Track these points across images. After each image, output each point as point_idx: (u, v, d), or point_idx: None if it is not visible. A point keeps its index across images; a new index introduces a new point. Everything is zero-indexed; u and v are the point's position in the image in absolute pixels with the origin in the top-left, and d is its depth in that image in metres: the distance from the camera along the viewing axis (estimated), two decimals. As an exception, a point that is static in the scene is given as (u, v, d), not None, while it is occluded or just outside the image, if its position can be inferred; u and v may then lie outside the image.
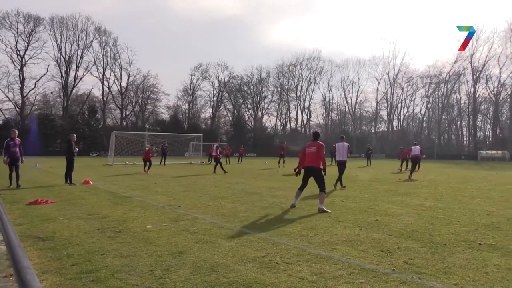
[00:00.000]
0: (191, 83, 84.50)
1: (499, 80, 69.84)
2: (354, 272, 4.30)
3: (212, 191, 12.12)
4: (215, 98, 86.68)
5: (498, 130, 73.27)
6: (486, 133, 79.18)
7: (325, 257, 4.89)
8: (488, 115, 76.86)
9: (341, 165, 13.50)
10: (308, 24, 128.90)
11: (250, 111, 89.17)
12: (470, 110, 75.04)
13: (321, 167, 8.71)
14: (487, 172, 25.26)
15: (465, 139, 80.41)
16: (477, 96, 72.95)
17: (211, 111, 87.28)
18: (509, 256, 5.00)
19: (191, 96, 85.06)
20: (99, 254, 4.96)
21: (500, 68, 69.09)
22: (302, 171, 9.17)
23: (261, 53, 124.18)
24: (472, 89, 72.83)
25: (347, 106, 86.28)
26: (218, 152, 22.32)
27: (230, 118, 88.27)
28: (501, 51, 68.57)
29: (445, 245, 5.56)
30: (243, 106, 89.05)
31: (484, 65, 70.43)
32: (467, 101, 75.57)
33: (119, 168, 26.15)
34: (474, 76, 71.49)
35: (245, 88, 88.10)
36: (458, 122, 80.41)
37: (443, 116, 78.49)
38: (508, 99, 70.46)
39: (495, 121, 72.87)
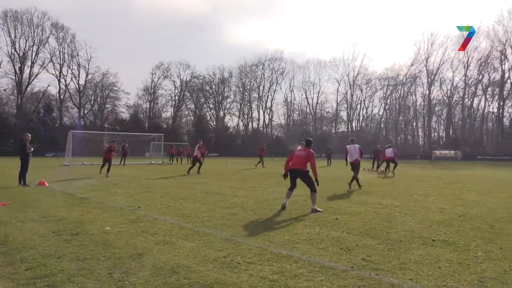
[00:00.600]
0: (152, 82, 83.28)
1: (452, 83, 73.04)
2: (314, 270, 4.37)
3: (173, 192, 11.98)
4: (177, 98, 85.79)
5: (451, 131, 76.39)
6: (440, 134, 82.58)
7: (286, 256, 4.95)
8: (442, 117, 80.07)
9: (355, 166, 13.55)
10: (270, 25, 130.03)
11: (212, 110, 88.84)
12: (425, 111, 77.87)
13: (307, 169, 8.80)
14: (440, 171, 26.31)
15: (420, 139, 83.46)
16: (431, 98, 75.85)
17: (172, 111, 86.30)
18: (460, 251, 5.23)
19: (152, 95, 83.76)
20: (55, 258, 4.80)
21: (453, 72, 72.30)
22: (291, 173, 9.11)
23: (223, 53, 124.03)
24: (427, 92, 75.71)
25: (308, 107, 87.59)
26: (200, 152, 21.65)
27: (192, 117, 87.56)
28: (454, 55, 71.66)
29: (401, 241, 5.75)
30: (205, 105, 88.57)
31: (438, 69, 73.41)
32: (423, 103, 78.43)
33: (77, 168, 25.36)
34: (429, 79, 74.31)
35: (207, 88, 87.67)
36: (414, 123, 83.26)
37: (400, 117, 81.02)
38: (460, 101, 73.63)
39: (448, 122, 75.95)
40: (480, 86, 70.90)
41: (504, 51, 66.06)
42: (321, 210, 8.55)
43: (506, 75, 67.11)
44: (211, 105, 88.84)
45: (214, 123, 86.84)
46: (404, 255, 5.04)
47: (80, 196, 10.86)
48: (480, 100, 72.32)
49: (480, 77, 70.06)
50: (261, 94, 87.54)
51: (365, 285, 3.94)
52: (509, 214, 8.29)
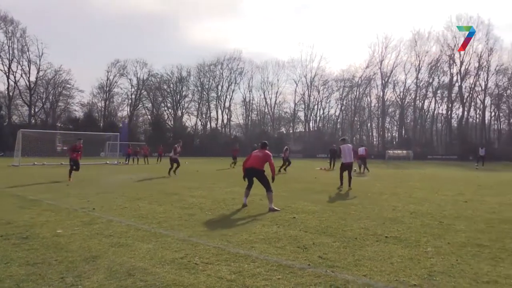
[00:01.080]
0: (107, 80, 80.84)
1: (405, 85, 75.66)
2: (272, 269, 4.41)
3: (129, 193, 11.72)
4: (133, 96, 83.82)
5: (403, 132, 79.15)
6: (393, 134, 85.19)
7: (244, 255, 4.96)
8: (395, 118, 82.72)
9: (348, 167, 13.29)
10: (229, 25, 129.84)
11: (170, 110, 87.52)
12: (379, 112, 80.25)
13: (263, 169, 9.05)
14: (393, 171, 27.25)
15: (374, 139, 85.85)
16: (385, 99, 78.24)
17: (128, 109, 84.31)
18: (411, 247, 5.44)
19: (107, 94, 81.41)
20: (3, 263, 4.57)
21: (406, 75, 74.91)
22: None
23: (181, 51, 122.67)
24: (381, 93, 78.00)
25: (266, 107, 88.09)
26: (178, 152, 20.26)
27: (149, 117, 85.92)
28: (406, 58, 74.37)
29: (356, 239, 5.91)
30: (162, 104, 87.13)
31: (391, 71, 75.82)
32: (377, 104, 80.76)
33: (27, 169, 24.29)
34: (383, 81, 76.64)
35: (165, 87, 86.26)
36: (369, 124, 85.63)
37: (356, 118, 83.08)
38: (412, 103, 76.44)
39: (401, 123, 78.63)
40: (430, 89, 73.90)
41: (452, 55, 69.28)
42: (279, 209, 8.65)
43: (454, 78, 70.38)
44: (168, 104, 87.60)
45: (172, 123, 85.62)
46: (359, 252, 5.18)
47: (31, 198, 10.42)
48: (431, 102, 75.45)
49: (431, 80, 73.10)
50: (219, 93, 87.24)
51: (321, 282, 4.01)
52: (457, 210, 8.71)
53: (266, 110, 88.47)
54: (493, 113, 71.77)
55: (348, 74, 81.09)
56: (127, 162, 35.19)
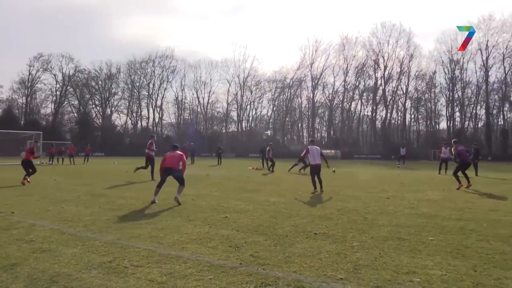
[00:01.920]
0: (29, 75, 75.55)
1: (333, 87, 78.77)
2: (204, 269, 4.40)
3: (53, 195, 11.09)
4: (58, 93, 79.13)
5: (332, 132, 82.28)
6: (322, 134, 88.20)
7: (175, 256, 4.90)
8: (324, 118, 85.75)
9: (318, 169, 12.92)
10: (162, 22, 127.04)
11: (98, 108, 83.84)
12: (309, 113, 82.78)
13: (180, 168, 9.98)
14: (322, 170, 28.13)
15: (305, 139, 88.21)
16: (315, 101, 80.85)
17: (53, 107, 79.52)
18: (338, 243, 5.68)
19: (29, 89, 76.17)
20: None
21: (334, 77, 78.03)
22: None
23: (111, 47, 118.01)
24: (311, 95, 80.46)
25: (199, 106, 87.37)
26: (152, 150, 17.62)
27: (76, 114, 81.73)
28: (335, 62, 77.46)
29: (287, 236, 6.06)
30: (90, 102, 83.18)
31: (321, 74, 78.54)
32: (307, 105, 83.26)
33: None
34: (313, 83, 79.14)
35: (93, 83, 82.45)
36: (300, 124, 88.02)
37: (287, 118, 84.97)
38: (340, 105, 79.74)
39: (330, 124, 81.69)
40: (357, 91, 77.58)
41: (377, 60, 73.36)
42: (181, 203, 9.29)
43: (379, 82, 74.52)
44: (97, 102, 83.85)
45: (100, 121, 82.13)
46: (289, 249, 5.32)
47: None
48: (357, 104, 79.19)
49: (357, 83, 76.79)
50: (151, 92, 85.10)
51: (253, 280, 4.07)
52: (380, 207, 9.22)
53: (199, 109, 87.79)
54: (413, 116, 76.92)
55: (280, 75, 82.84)
56: (50, 162, 33.23)
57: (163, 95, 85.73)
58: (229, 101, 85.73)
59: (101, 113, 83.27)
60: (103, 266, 4.51)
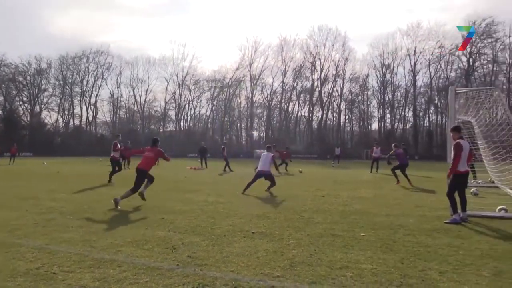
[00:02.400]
0: None
1: (272, 88, 79.87)
2: (139, 272, 4.28)
3: (-27, 198, 10.28)
4: (-21, 88, 73.48)
5: (270, 132, 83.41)
6: (261, 134, 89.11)
7: (109, 260, 4.73)
8: (262, 119, 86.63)
9: (263, 176, 12.48)
10: (97, 16, 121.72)
11: (26, 105, 78.69)
12: (248, 113, 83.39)
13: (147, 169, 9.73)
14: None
15: (243, 139, 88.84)
16: (254, 101, 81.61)
17: (-27, 103, 73.63)
18: (275, 241, 5.77)
19: None
20: None
21: (273, 78, 79.11)
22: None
23: (41, 41, 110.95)
24: (250, 95, 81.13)
25: (136, 105, 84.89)
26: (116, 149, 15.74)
27: (0, 112, 76.22)
28: (273, 63, 78.58)
29: (224, 236, 6.06)
30: (17, 99, 77.94)
31: (260, 74, 79.35)
32: (246, 105, 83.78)
33: None
34: (252, 83, 79.76)
35: (21, 79, 77.29)
36: (238, 124, 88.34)
37: (226, 118, 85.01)
38: (278, 105, 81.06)
39: (268, 124, 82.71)
40: (294, 92, 79.21)
41: (314, 63, 75.45)
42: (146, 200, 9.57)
43: (315, 84, 76.64)
44: (24, 99, 78.63)
45: (28, 119, 77.25)
46: (227, 248, 5.33)
47: None
48: (295, 104, 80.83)
49: (295, 84, 78.41)
50: (84, 89, 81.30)
51: (190, 281, 4.03)
52: (315, 205, 9.50)
53: (136, 108, 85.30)
54: (347, 116, 79.89)
55: (219, 75, 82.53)
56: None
57: (98, 92, 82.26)
58: (167, 100, 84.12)
59: (29, 111, 78.25)
60: (30, 273, 4.25)
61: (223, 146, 25.60)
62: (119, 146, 15.70)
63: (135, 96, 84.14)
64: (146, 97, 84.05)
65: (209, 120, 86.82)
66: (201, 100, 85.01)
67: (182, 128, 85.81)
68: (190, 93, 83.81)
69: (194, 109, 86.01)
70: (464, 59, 66.91)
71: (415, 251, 5.27)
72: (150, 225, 6.93)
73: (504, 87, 62.63)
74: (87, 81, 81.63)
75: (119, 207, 8.82)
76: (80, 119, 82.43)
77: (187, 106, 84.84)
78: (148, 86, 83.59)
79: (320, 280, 4.08)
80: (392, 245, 5.58)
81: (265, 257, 4.95)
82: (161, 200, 10.22)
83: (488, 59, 65.69)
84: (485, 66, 66.57)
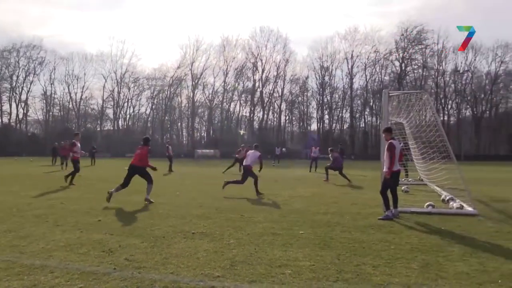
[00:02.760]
0: None
1: (213, 88, 79.54)
2: (73, 278, 4.10)
3: None
4: None
5: (211, 132, 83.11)
6: (202, 134, 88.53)
7: (40, 266, 4.48)
8: (204, 118, 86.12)
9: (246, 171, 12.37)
10: (29, 8, 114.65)
11: None
12: (189, 112, 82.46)
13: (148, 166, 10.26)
14: (202, 169, 28.38)
15: (184, 139, 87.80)
16: (195, 100, 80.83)
17: None
18: (216, 241, 5.76)
19: None
20: None
21: (214, 78, 78.84)
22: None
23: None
24: (192, 94, 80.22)
25: (71, 102, 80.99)
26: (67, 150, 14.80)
27: None
28: (215, 62, 78.21)
29: (164, 237, 5.96)
30: None
31: (202, 74, 78.71)
32: (187, 105, 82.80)
33: None
34: (194, 83, 78.92)
35: None
36: (179, 123, 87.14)
37: (166, 117, 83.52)
38: (220, 105, 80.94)
39: (209, 123, 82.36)
40: (236, 92, 79.50)
41: (255, 63, 76.11)
42: (153, 201, 9.74)
43: (257, 84, 77.36)
44: None
45: (-51, 117, 71.37)
46: (167, 250, 5.24)
47: None
48: (236, 104, 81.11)
49: (237, 85, 78.66)
50: (14, 84, 76.21)
51: (128, 285, 3.92)
52: (256, 204, 9.60)
53: (71, 106, 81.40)
54: (287, 117, 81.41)
55: (159, 73, 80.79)
56: None
57: (29, 88, 77.42)
58: (104, 98, 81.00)
59: (-50, 108, 72.34)
60: (-51, 283, 3.94)
61: (167, 145, 25.05)
62: (78, 145, 14.69)
63: (70, 93, 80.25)
64: (82, 95, 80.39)
65: (149, 119, 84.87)
66: (140, 99, 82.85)
67: (121, 127, 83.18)
68: (129, 91, 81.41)
69: (133, 107, 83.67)
70: (397, 64, 70.78)
71: (351, 247, 5.48)
72: (85, 228, 6.65)
73: (433, 91, 66.92)
74: (17, 76, 76.66)
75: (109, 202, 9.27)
76: (8, 117, 77.30)
77: (126, 104, 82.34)
78: (85, 83, 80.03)
79: (260, 279, 4.13)
80: (330, 242, 5.77)
81: (206, 257, 4.93)
82: (97, 201, 9.84)
83: (419, 64, 69.92)
84: (416, 71, 70.82)
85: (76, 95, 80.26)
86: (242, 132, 76.87)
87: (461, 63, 68.27)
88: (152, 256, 4.93)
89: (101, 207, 8.88)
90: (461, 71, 66.72)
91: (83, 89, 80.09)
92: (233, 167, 23.03)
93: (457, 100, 70.09)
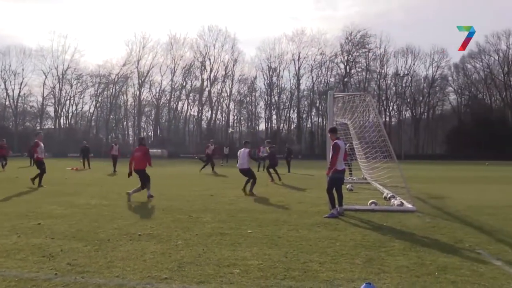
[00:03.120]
0: None
1: (161, 86, 77.97)
2: (10, 285, 3.89)
3: None
4: None
5: (158, 131, 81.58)
6: (149, 133, 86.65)
7: (-28, 274, 4.21)
8: (150, 117, 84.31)
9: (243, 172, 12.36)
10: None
11: None
12: (135, 111, 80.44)
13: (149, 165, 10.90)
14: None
15: (130, 138, 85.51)
16: (142, 99, 78.97)
17: None
18: (163, 242, 5.68)
19: None
20: None
21: (162, 76, 77.30)
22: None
23: None
24: (138, 92, 78.29)
25: (8, 99, 76.32)
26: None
27: None
28: (162, 61, 76.70)
29: (109, 240, 5.78)
30: None
31: (148, 72, 76.95)
32: (133, 103, 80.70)
33: None
34: (140, 81, 77.03)
35: None
36: (125, 122, 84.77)
37: (111, 116, 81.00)
38: (167, 104, 79.61)
39: (156, 123, 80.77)
40: (184, 91, 78.43)
41: (204, 62, 75.54)
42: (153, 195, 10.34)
43: (205, 83, 76.82)
44: None
45: None
46: (112, 253, 5.09)
47: None
48: (184, 104, 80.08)
49: (184, 83, 77.65)
50: None
51: (70, 290, 3.78)
52: (204, 204, 9.54)
53: (8, 103, 76.71)
54: (235, 117, 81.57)
55: (104, 70, 77.93)
56: None
57: (-41, 84, 72.32)
58: (45, 95, 77.05)
59: None
60: None
61: (113, 144, 24.18)
62: (41, 145, 13.89)
63: (6, 90, 75.50)
64: (20, 91, 75.95)
65: (93, 117, 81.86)
66: (84, 96, 79.59)
67: (63, 126, 79.60)
68: (71, 88, 77.95)
69: (76, 105, 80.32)
70: (342, 66, 73.05)
71: (298, 245, 5.59)
72: (23, 232, 6.31)
73: (375, 93, 69.64)
74: None
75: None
76: None
77: (68, 102, 78.87)
78: (23, 79, 75.61)
79: (209, 279, 4.12)
80: (277, 241, 5.85)
81: (153, 259, 4.83)
82: (37, 203, 9.38)
83: (362, 67, 72.56)
84: (359, 74, 73.45)
85: (13, 91, 75.68)
86: (230, 130, 76.30)
87: (401, 67, 71.78)
88: (96, 260, 4.77)
89: (41, 210, 8.47)
90: (401, 75, 70.11)
91: (21, 86, 75.68)
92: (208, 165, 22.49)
93: (397, 102, 73.46)
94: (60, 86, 76.71)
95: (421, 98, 72.54)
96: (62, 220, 7.39)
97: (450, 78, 73.12)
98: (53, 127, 79.69)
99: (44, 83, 76.21)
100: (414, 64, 71.54)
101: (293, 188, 13.87)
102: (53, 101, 77.77)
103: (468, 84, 71.92)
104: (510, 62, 66.57)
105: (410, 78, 71.82)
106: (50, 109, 79.00)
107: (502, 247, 5.61)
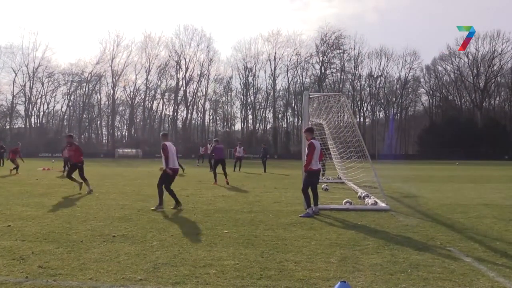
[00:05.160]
0: None
1: (135, 85, 76.99)
2: (-22, 289, 3.77)
3: None
4: None
5: (133, 131, 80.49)
6: (123, 133, 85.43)
7: None
8: (125, 117, 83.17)
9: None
10: None
11: None
12: (109, 110, 79.11)
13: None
14: (123, 169, 27.35)
15: (104, 138, 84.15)
16: (116, 98, 77.73)
17: None
18: (138, 243, 5.61)
19: None
20: None
21: (136, 75, 76.34)
22: None
23: None
24: (112, 91, 77.07)
25: (-25, 98, 73.94)
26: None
27: None
28: (137, 59, 75.77)
29: (82, 242, 5.67)
30: None
31: (123, 70, 75.82)
32: (107, 102, 79.38)
33: None
34: (114, 79, 75.87)
35: None
36: (98, 122, 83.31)
37: (84, 115, 79.45)
38: (142, 103, 78.68)
39: (131, 122, 79.71)
40: (159, 91, 77.77)
41: (179, 62, 74.97)
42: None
43: (180, 83, 76.29)
44: None
45: None
46: (85, 255, 4.99)
47: None
48: (159, 103, 79.38)
49: (160, 83, 77.03)
50: None
51: (41, 293, 3.69)
52: (183, 204, 9.46)
53: (-25, 102, 74.28)
54: (211, 117, 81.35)
55: (77, 68, 76.35)
56: None
57: None
58: (15, 93, 74.87)
59: None
60: None
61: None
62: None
63: (-27, 88, 73.12)
64: (-12, 89, 73.58)
65: (65, 117, 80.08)
66: (55, 95, 77.75)
67: (34, 125, 77.55)
68: (42, 86, 76.06)
69: (48, 104, 78.41)
70: (317, 67, 73.95)
71: (274, 245, 5.62)
72: (-8, 234, 6.13)
73: (350, 94, 70.73)
74: None
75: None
76: None
77: (39, 101, 76.94)
78: (-8, 77, 73.44)
79: (184, 280, 4.09)
80: (253, 240, 5.86)
81: (127, 261, 4.77)
82: (6, 205, 9.10)
83: (337, 68, 73.51)
84: (334, 74, 74.45)
85: (-19, 90, 73.29)
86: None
87: (375, 68, 73.11)
88: (69, 262, 4.67)
89: (10, 211, 8.23)
90: (375, 76, 71.36)
91: (-11, 84, 73.41)
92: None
93: (371, 103, 74.79)
94: (31, 84, 74.74)
95: (394, 99, 74.04)
96: (33, 221, 7.20)
97: (422, 79, 75.01)
98: (23, 126, 77.53)
99: (14, 81, 74.11)
100: (387, 65, 73.12)
101: (269, 188, 13.90)
102: (23, 99, 75.72)
103: (439, 86, 73.90)
104: (479, 65, 68.74)
105: (383, 79, 73.20)
106: (21, 108, 76.91)
107: (472, 244, 5.78)
